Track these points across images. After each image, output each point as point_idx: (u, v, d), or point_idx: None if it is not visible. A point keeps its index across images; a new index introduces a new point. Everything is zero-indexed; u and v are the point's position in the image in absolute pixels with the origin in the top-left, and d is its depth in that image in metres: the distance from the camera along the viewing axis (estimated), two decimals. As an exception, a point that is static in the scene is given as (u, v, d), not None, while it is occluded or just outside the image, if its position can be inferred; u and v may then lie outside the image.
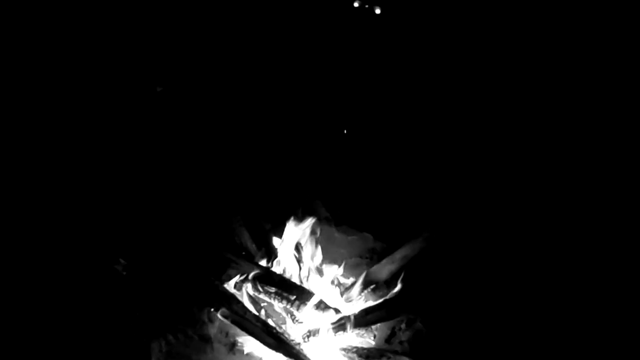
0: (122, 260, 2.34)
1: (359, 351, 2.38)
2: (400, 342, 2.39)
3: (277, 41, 3.55)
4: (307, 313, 2.50)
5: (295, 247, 2.85)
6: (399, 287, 2.62)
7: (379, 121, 3.48)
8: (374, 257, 2.88)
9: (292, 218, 2.96)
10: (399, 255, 2.72)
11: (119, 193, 2.82)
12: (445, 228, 2.80)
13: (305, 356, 2.34)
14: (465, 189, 3.05)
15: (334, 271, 2.77)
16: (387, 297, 2.63)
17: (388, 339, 2.44)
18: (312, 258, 2.80)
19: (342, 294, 2.67)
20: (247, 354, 2.42)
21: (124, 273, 2.32)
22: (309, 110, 3.50)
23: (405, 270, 2.64)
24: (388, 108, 3.54)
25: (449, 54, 3.53)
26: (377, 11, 3.79)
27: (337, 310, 2.56)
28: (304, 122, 3.44)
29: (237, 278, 2.57)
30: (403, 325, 2.44)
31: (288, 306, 2.53)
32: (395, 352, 2.31)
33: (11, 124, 2.92)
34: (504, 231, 2.78)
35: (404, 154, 3.28)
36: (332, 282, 2.72)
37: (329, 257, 2.83)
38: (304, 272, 2.74)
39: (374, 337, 2.51)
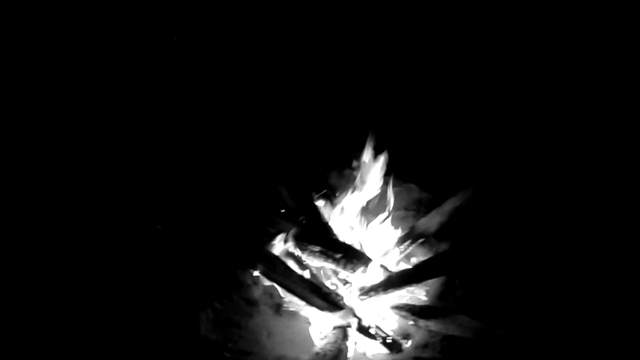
0: (159, 226, 2.25)
1: (412, 309, 2.26)
2: (455, 299, 2.27)
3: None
4: (354, 271, 2.40)
5: (338, 201, 2.74)
6: (449, 240, 2.49)
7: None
8: (420, 209, 2.71)
9: (332, 172, 2.85)
10: (448, 206, 2.54)
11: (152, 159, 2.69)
12: (495, 176, 2.60)
13: (355, 315, 2.25)
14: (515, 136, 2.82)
15: (379, 225, 2.64)
16: (438, 251, 2.50)
17: (442, 296, 2.32)
18: (355, 212, 2.67)
19: (389, 249, 2.54)
20: (294, 315, 2.35)
21: (163, 239, 2.23)
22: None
23: (456, 223, 2.49)
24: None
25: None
26: None
27: (385, 267, 2.45)
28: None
29: (279, 237, 2.46)
30: (457, 281, 2.31)
31: (334, 265, 2.42)
32: (452, 310, 2.18)
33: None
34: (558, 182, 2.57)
35: (448, 104, 3.05)
36: (378, 237, 2.60)
37: (373, 211, 2.69)
38: (347, 228, 2.62)
39: (426, 293, 2.39)
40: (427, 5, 3.31)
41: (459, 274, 2.34)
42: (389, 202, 2.64)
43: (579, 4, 3.12)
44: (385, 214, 2.64)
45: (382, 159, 2.63)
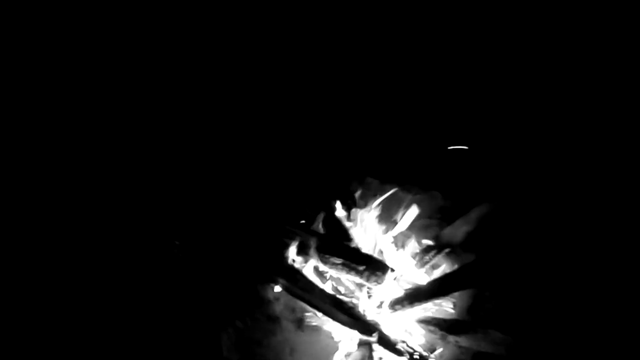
0: (177, 242, 2.18)
1: (439, 323, 2.18)
2: (486, 313, 2.17)
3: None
4: (379, 284, 2.31)
5: (358, 210, 2.65)
6: (477, 250, 2.39)
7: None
8: (444, 217, 2.61)
9: (353, 181, 2.76)
10: (474, 214, 2.45)
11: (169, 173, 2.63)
12: (522, 184, 2.49)
13: (380, 330, 2.17)
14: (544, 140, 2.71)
15: (403, 235, 2.55)
16: (466, 262, 2.41)
17: (471, 309, 2.22)
18: (376, 221, 2.58)
19: (414, 260, 2.44)
20: (317, 331, 2.27)
21: (181, 256, 2.16)
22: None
23: (483, 232, 2.40)
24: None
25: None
26: None
27: (410, 279, 2.37)
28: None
29: (299, 250, 2.38)
30: (487, 294, 2.21)
31: (357, 278, 2.33)
32: (482, 324, 2.08)
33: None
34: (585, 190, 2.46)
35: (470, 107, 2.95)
36: (402, 247, 2.51)
37: (395, 220, 2.59)
38: (369, 238, 2.53)
39: (454, 306, 2.29)
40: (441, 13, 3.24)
41: (488, 286, 2.24)
42: (412, 211, 2.56)
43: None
44: (408, 222, 2.56)
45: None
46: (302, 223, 2.52)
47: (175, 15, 3.24)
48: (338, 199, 2.63)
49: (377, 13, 3.27)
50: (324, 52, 3.24)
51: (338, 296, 2.27)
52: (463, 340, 2.09)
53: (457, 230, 2.44)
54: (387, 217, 2.59)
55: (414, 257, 2.44)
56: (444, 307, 2.29)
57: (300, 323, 2.30)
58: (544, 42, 3.08)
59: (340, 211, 2.59)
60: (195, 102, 3.06)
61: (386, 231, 2.57)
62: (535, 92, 3.00)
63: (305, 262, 2.37)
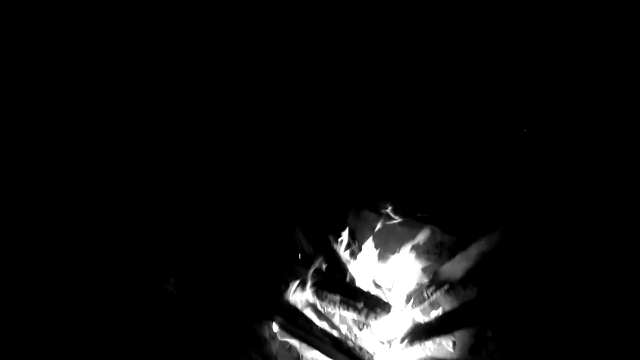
0: (172, 280, 2.11)
1: (440, 364, 2.13)
2: (488, 353, 2.12)
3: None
4: (378, 322, 2.26)
5: (356, 245, 2.61)
6: (477, 287, 2.36)
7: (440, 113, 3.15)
8: (443, 252, 2.58)
9: (350, 215, 2.72)
10: (474, 250, 2.41)
11: (165, 202, 2.57)
12: (523, 218, 2.48)
13: (380, 371, 2.11)
14: (543, 173, 2.69)
15: (401, 271, 2.51)
16: (465, 299, 2.37)
17: (472, 349, 2.17)
18: (374, 257, 2.54)
19: (413, 297, 2.40)
20: (314, 369, 2.21)
21: (175, 292, 2.09)
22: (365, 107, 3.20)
23: (482, 268, 2.36)
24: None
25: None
26: None
27: (409, 317, 2.32)
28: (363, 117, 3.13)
29: (296, 286, 2.32)
30: (489, 333, 2.17)
31: (356, 315, 2.28)
32: (486, 366, 2.04)
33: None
34: (588, 223, 2.43)
35: (470, 141, 2.94)
36: (400, 284, 2.47)
37: (393, 255, 2.56)
38: (367, 274, 2.49)
39: (454, 345, 2.25)
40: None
41: (491, 325, 2.20)
42: (411, 246, 2.53)
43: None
44: (407, 258, 2.53)
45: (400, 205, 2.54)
46: (299, 259, 2.47)
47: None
48: (334, 233, 2.60)
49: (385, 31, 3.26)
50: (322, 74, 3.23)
51: (336, 334, 2.21)
52: (464, 382, 2.04)
53: (457, 266, 2.40)
54: (385, 251, 2.56)
55: (412, 294, 2.40)
56: (443, 346, 2.25)
57: (297, 362, 2.24)
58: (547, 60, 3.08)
59: (337, 246, 2.56)
60: (195, 127, 3.02)
61: (384, 266, 2.54)
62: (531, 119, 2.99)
63: (303, 299, 2.32)
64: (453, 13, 3.12)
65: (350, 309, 2.28)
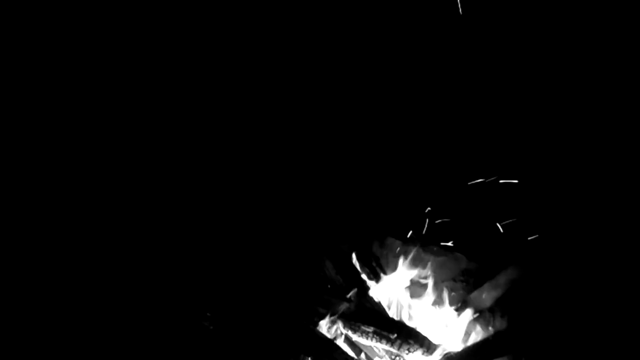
0: (208, 314, 2.08)
1: (476, 394, 2.13)
2: (524, 384, 2.13)
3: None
4: (411, 352, 2.25)
5: (383, 274, 2.61)
6: (507, 316, 2.37)
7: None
8: (469, 280, 2.59)
9: (375, 243, 2.72)
10: (503, 279, 2.43)
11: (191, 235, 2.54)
12: (552, 245, 2.51)
13: (416, 403, 2.10)
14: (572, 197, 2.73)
15: (430, 299, 2.51)
16: (496, 328, 2.38)
17: (507, 379, 2.18)
18: (403, 286, 2.54)
19: (444, 326, 2.40)
20: (350, 404, 2.18)
21: (211, 327, 2.06)
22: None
23: (512, 296, 2.38)
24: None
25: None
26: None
27: (442, 347, 2.32)
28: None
29: (329, 318, 2.31)
30: (523, 363, 2.18)
31: (389, 346, 2.27)
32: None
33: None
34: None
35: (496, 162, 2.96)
36: (430, 313, 2.47)
37: (420, 283, 2.56)
38: (398, 303, 2.49)
39: (487, 375, 2.25)
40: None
41: (524, 354, 2.21)
42: (438, 274, 2.54)
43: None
44: (434, 286, 2.53)
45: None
46: (329, 289, 2.46)
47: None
48: (361, 262, 2.60)
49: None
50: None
51: (372, 367, 2.20)
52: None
53: (486, 295, 2.42)
54: (413, 279, 2.56)
55: (444, 323, 2.41)
56: (477, 376, 2.25)
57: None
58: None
59: (365, 275, 2.55)
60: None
61: (413, 295, 2.54)
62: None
63: (336, 331, 2.31)
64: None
65: (384, 340, 2.28)
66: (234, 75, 3.19)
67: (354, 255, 2.57)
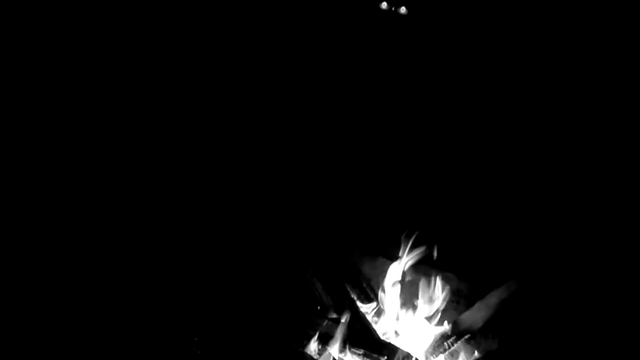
0: (196, 339, 2.04)
1: (468, 418, 2.11)
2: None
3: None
4: (401, 375, 2.23)
5: (373, 294, 2.59)
6: (497, 337, 2.36)
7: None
8: (460, 300, 2.58)
9: (365, 263, 2.70)
10: (494, 299, 2.42)
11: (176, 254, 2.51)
12: (544, 263, 2.50)
13: None
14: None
15: (419, 320, 2.49)
16: (487, 349, 2.36)
17: (499, 402, 2.16)
18: (393, 307, 2.52)
19: (434, 347, 2.38)
20: None
21: (199, 352, 2.02)
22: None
23: (503, 317, 2.37)
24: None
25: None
26: (403, 11, 3.53)
27: (433, 369, 2.30)
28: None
29: (318, 340, 2.28)
30: (516, 386, 2.17)
31: (379, 368, 2.24)
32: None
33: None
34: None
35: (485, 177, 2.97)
36: (420, 333, 2.44)
37: (409, 303, 2.54)
38: (388, 324, 2.46)
39: (480, 399, 2.23)
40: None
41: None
42: (435, 296, 2.52)
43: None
44: (424, 307, 2.51)
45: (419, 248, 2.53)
46: (318, 310, 2.43)
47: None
48: (350, 282, 2.57)
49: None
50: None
51: (362, 390, 2.17)
52: None
53: (476, 315, 2.40)
54: (402, 300, 2.54)
55: (434, 344, 2.38)
56: (467, 398, 2.23)
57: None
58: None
59: (354, 295, 2.53)
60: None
61: (402, 316, 2.51)
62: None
63: (325, 353, 2.27)
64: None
65: (374, 362, 2.26)
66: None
67: (343, 276, 2.55)
